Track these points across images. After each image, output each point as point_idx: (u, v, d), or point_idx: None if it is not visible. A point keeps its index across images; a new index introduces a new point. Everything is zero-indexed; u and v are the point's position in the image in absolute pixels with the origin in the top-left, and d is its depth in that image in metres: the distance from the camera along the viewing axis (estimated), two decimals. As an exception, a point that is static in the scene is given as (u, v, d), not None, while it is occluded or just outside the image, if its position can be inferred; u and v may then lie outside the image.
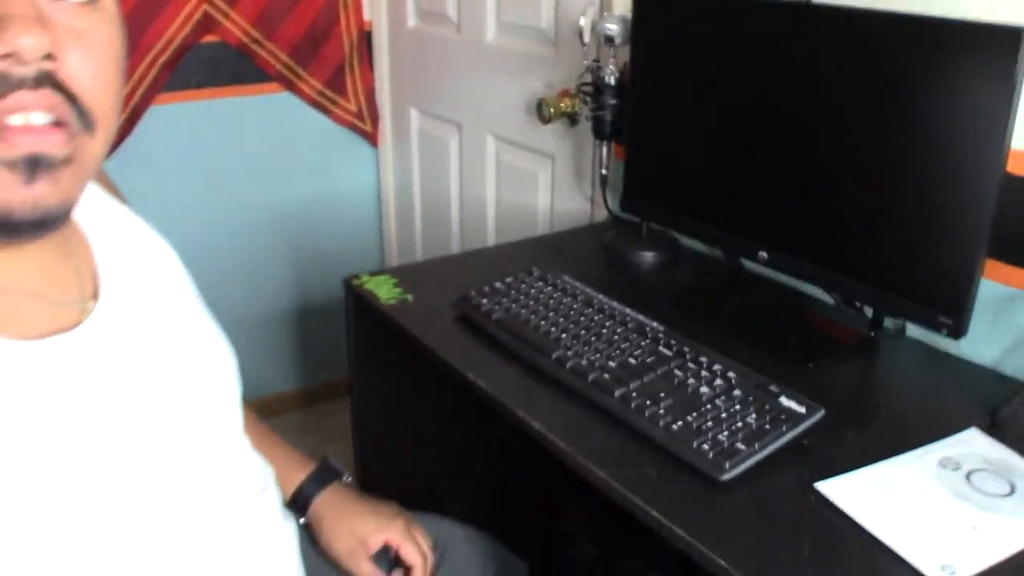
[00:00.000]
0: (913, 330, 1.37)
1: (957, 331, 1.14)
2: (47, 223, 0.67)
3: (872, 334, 1.35)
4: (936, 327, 1.17)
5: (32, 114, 0.62)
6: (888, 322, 1.39)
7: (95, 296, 0.78)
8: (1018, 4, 1.19)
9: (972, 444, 1.09)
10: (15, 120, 0.62)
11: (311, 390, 2.89)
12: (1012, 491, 1.01)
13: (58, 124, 0.64)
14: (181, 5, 2.27)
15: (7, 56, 0.60)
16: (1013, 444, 1.09)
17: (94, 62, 0.66)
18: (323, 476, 1.18)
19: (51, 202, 0.65)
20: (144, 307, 0.83)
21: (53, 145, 0.64)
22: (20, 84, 0.61)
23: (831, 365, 1.28)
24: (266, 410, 2.64)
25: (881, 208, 1.22)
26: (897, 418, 1.15)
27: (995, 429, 1.13)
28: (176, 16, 2.28)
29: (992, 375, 1.29)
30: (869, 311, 1.36)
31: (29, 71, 0.61)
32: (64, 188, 0.66)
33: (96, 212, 0.84)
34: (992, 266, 1.28)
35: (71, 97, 0.64)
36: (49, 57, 0.62)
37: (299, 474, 1.17)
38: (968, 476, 1.03)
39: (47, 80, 0.63)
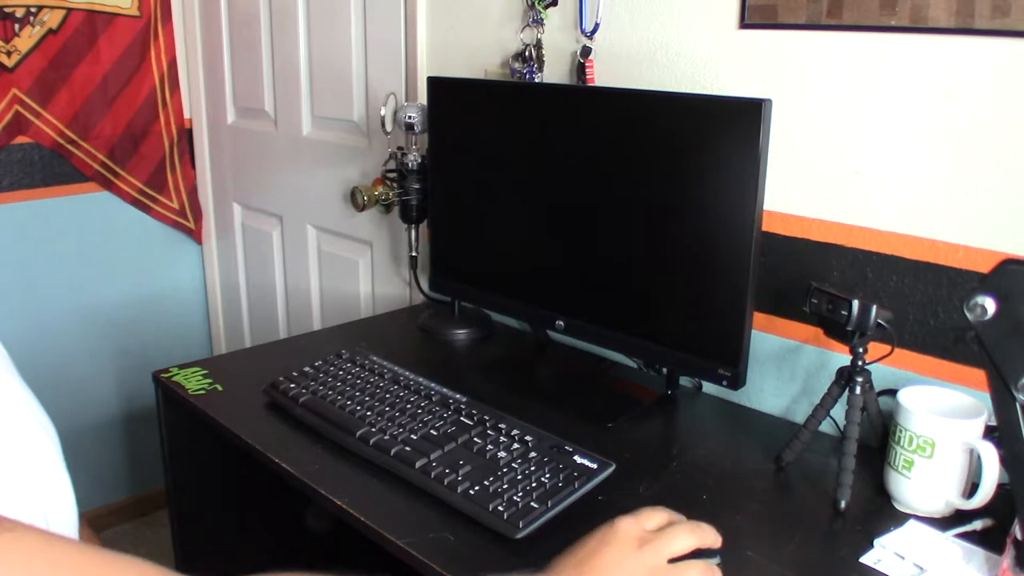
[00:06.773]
0: (710, 386, 1.45)
1: (735, 382, 1.22)
2: None
3: (669, 392, 1.42)
4: (717, 380, 1.24)
5: None
6: (686, 380, 1.46)
7: None
8: (769, 81, 1.31)
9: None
10: None
11: (142, 499, 2.77)
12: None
13: None
14: (-9, 106, 2.22)
15: None
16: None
17: None
18: None
19: None
20: None
21: None
22: None
23: (630, 423, 1.33)
24: (96, 524, 2.51)
25: (660, 271, 1.30)
26: (688, 468, 1.21)
27: (781, 472, 1.20)
28: (-14, 118, 2.21)
29: (782, 423, 1.37)
30: (665, 371, 1.43)
31: None
32: None
33: None
34: (772, 321, 1.37)
35: None
36: None
37: None
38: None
39: None
